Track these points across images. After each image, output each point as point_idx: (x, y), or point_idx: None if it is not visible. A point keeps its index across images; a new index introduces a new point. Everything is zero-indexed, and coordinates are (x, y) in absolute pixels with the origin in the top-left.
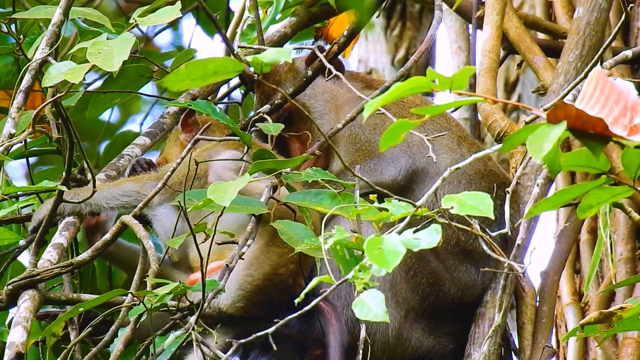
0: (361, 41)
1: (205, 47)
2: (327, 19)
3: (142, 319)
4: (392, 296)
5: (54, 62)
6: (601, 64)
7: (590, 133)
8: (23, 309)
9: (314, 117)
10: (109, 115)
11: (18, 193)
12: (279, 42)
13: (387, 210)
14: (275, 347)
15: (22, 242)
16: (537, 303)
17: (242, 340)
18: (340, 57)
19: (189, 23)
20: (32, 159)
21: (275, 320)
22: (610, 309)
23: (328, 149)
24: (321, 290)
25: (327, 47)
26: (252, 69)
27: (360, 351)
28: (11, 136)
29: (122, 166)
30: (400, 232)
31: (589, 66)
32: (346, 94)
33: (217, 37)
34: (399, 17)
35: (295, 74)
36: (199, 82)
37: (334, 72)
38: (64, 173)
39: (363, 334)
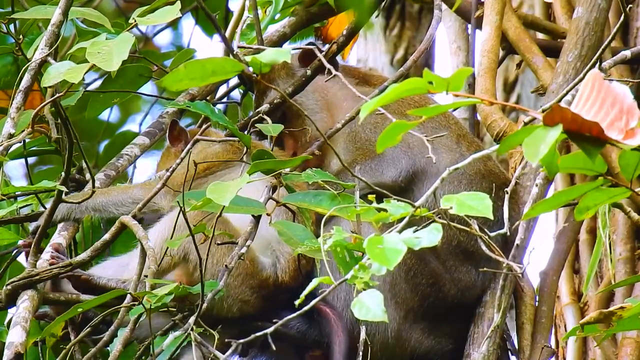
0: (360, 41)
1: (204, 47)
2: (326, 19)
3: (141, 319)
4: (392, 297)
5: (53, 62)
6: (600, 64)
7: (587, 136)
8: (22, 309)
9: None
10: (108, 115)
11: (17, 193)
12: (278, 41)
13: (386, 210)
14: (274, 347)
15: (21, 242)
16: (536, 303)
17: (242, 341)
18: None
19: (189, 23)
20: (31, 159)
21: (274, 321)
22: (611, 309)
23: (325, 147)
24: (320, 291)
25: (322, 45)
26: (250, 69)
27: (361, 352)
28: (10, 136)
29: (121, 166)
30: (400, 232)
31: (588, 66)
32: (339, 91)
33: (216, 37)
34: (398, 17)
35: (288, 71)
36: (198, 82)
37: (334, 72)
38: (63, 173)
39: (363, 334)
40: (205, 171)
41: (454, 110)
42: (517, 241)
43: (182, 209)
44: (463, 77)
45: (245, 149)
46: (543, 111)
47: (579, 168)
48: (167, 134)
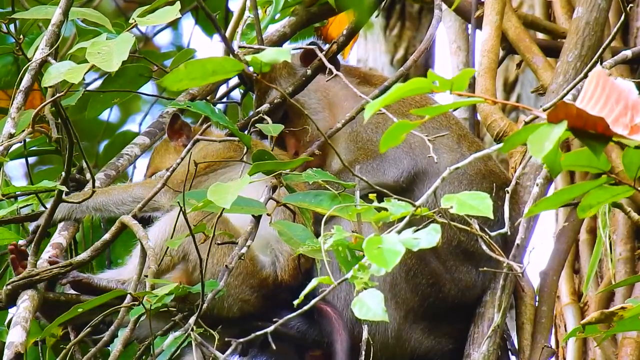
0: (360, 41)
1: (204, 47)
2: (327, 19)
3: (141, 319)
4: (392, 297)
5: (53, 62)
6: (600, 64)
7: (591, 133)
8: (22, 309)
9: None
10: (109, 114)
11: (17, 193)
12: (278, 41)
13: (386, 210)
14: (274, 347)
15: (21, 242)
16: (537, 303)
17: (242, 340)
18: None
19: (189, 23)
20: (31, 159)
21: (274, 320)
22: (612, 309)
23: (325, 147)
24: (320, 291)
25: (324, 45)
26: (251, 69)
27: (363, 352)
28: (11, 136)
29: (121, 166)
30: (399, 232)
31: (588, 66)
32: (341, 91)
33: (217, 37)
34: (398, 17)
35: (289, 71)
36: (198, 82)
37: (335, 72)
38: (63, 173)
39: (365, 334)
40: (205, 169)
41: (454, 110)
42: (518, 241)
43: (182, 209)
44: (467, 78)
45: (245, 148)
46: (545, 110)
47: (582, 166)
48: (166, 128)
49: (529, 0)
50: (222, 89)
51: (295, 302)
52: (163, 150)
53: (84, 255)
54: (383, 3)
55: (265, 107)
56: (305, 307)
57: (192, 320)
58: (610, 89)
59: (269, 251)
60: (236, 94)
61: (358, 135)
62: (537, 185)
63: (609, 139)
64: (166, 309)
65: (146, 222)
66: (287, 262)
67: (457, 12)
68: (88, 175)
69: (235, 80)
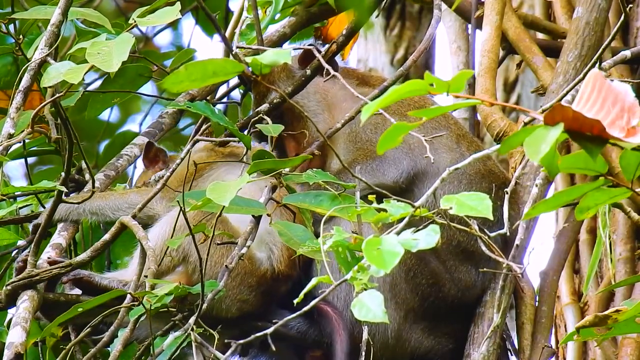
0: (360, 41)
1: (204, 47)
2: (326, 19)
3: (141, 319)
4: (392, 297)
5: (53, 62)
6: (600, 64)
7: (588, 135)
8: (22, 309)
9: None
10: (108, 115)
11: (17, 193)
12: (278, 42)
13: (386, 210)
14: (273, 348)
15: (21, 242)
16: (537, 303)
17: (241, 341)
18: (337, 56)
19: (189, 23)
20: (31, 159)
21: (274, 321)
22: (606, 312)
23: (325, 148)
24: (320, 291)
25: (322, 46)
26: (250, 70)
27: (363, 352)
28: (10, 136)
29: (121, 166)
30: (399, 233)
31: (588, 66)
32: (339, 92)
33: (217, 37)
34: (398, 17)
35: (288, 73)
36: (198, 83)
37: (332, 72)
38: (62, 173)
39: (365, 335)
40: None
41: (454, 110)
42: (517, 241)
43: (182, 209)
44: (464, 80)
45: (245, 150)
46: (543, 111)
47: (580, 168)
48: (142, 157)
49: (529, 0)
50: (222, 89)
51: (296, 301)
52: (143, 178)
53: (83, 256)
54: (383, 3)
55: (264, 107)
56: (306, 308)
57: (192, 320)
58: (607, 91)
59: (264, 246)
60: (236, 94)
61: (357, 136)
62: (537, 186)
63: (606, 141)
64: (166, 309)
65: (143, 227)
66: (282, 252)
67: (457, 12)
68: (87, 176)
69: (235, 80)
